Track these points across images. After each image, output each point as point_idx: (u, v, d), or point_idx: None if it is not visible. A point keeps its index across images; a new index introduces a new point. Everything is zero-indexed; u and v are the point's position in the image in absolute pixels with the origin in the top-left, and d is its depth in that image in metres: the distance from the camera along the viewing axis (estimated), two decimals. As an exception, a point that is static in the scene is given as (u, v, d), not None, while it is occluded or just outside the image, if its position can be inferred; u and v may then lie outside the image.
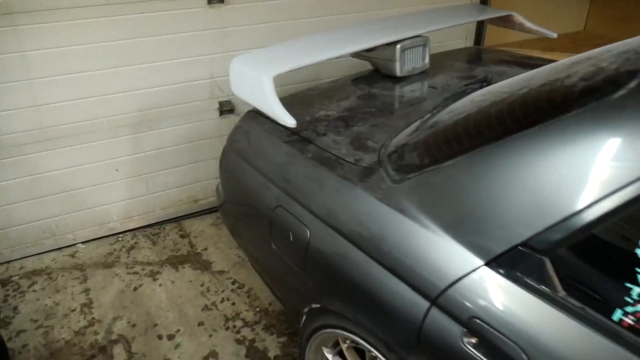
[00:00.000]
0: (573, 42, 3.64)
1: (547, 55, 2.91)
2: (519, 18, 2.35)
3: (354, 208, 1.32)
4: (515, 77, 1.51)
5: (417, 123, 1.52)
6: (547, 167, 1.01)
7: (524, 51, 2.62)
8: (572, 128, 1.00)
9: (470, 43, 3.40)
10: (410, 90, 1.92)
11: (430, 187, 1.20)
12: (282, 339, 2.05)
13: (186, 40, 2.42)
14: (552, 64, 1.43)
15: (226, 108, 2.67)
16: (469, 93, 1.66)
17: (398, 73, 1.98)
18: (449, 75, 2.05)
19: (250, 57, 1.72)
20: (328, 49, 1.75)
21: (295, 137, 1.58)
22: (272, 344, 2.03)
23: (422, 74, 2.05)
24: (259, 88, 1.57)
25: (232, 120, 2.71)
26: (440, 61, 2.20)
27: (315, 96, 1.91)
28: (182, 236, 2.70)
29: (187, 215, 2.85)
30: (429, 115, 1.52)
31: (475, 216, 1.09)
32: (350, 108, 1.76)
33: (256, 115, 1.76)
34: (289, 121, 1.51)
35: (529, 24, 2.33)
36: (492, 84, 1.70)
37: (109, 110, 2.40)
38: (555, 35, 2.31)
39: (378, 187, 1.30)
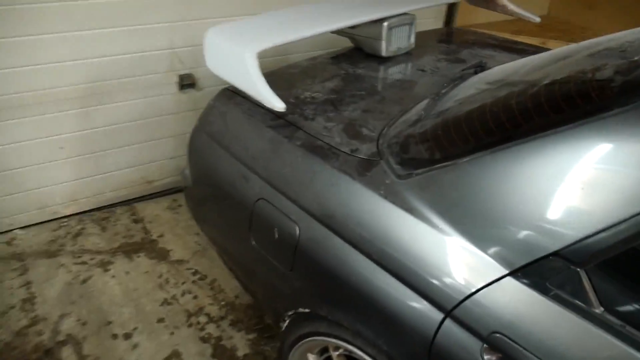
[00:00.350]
0: (539, 27, 3.62)
1: (519, 39, 2.84)
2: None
3: (352, 205, 1.18)
4: (521, 64, 1.41)
5: (416, 110, 1.40)
6: (585, 171, 0.91)
7: (496, 34, 2.54)
8: (616, 129, 0.90)
9: (440, 23, 3.30)
10: (398, 72, 1.79)
11: (444, 186, 1.08)
12: (251, 336, 1.90)
13: (144, 5, 2.15)
14: (562, 50, 1.34)
15: (187, 82, 2.43)
16: (466, 78, 1.56)
17: (384, 53, 1.84)
18: (434, 57, 1.93)
19: (229, 28, 1.51)
20: (315, 24, 1.57)
21: (280, 122, 1.41)
22: (240, 342, 1.88)
23: (408, 55, 1.92)
24: (240, 65, 1.38)
25: (193, 95, 2.49)
26: (422, 42, 2.07)
27: (296, 75, 1.73)
28: (135, 221, 2.47)
29: (140, 197, 2.61)
30: (429, 102, 1.39)
31: (499, 220, 0.98)
32: (337, 90, 1.61)
33: (233, 94, 1.56)
34: (277, 104, 1.33)
35: (511, 6, 2.25)
36: (487, 69, 1.60)
37: (54, 81, 2.11)
38: (538, 19, 2.25)
39: (381, 183, 1.16)
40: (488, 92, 1.25)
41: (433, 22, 3.29)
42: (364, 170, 1.21)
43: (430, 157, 1.14)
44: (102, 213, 2.51)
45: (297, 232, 1.27)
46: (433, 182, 1.10)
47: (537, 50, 2.11)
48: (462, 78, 1.57)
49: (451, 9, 3.23)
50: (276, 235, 1.33)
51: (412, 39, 1.93)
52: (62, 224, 2.41)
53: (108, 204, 2.54)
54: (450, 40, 2.29)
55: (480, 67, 1.66)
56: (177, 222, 2.48)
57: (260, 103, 1.43)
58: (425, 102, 1.45)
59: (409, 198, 1.10)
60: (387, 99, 1.56)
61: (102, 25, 2.10)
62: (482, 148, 1.04)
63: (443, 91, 1.46)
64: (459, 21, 3.41)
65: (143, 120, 2.42)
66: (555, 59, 1.30)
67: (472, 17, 3.44)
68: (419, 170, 1.12)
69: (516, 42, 2.21)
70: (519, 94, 1.13)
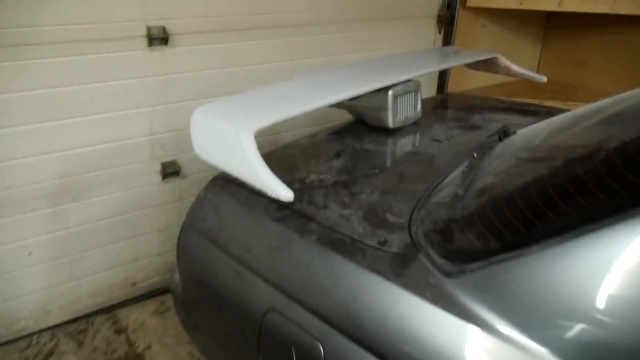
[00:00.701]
0: (531, 88, 3.54)
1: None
2: (503, 61, 2.13)
3: (390, 314, 0.93)
4: (557, 126, 1.22)
5: (448, 187, 1.18)
6: None
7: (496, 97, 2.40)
8: None
9: (433, 89, 3.20)
10: (411, 145, 1.60)
11: (511, 284, 0.84)
12: None
13: (121, 90, 1.98)
14: (602, 104, 1.16)
15: (170, 170, 2.21)
16: (492, 146, 1.36)
17: (390, 124, 1.65)
18: (446, 125, 1.75)
19: (218, 107, 1.32)
20: (315, 97, 1.39)
21: (287, 212, 1.18)
22: None
23: (416, 125, 1.73)
24: (236, 147, 1.16)
25: (178, 184, 2.26)
26: (426, 110, 1.91)
27: (296, 155, 1.52)
28: (118, 331, 2.15)
29: (122, 302, 2.30)
30: (462, 176, 1.18)
31: (595, 327, 0.74)
32: (346, 169, 1.39)
33: (226, 182, 1.34)
34: (284, 193, 1.11)
35: (515, 67, 2.12)
36: (512, 134, 1.42)
37: (20, 178, 1.87)
38: (545, 79, 2.11)
39: (424, 283, 0.92)
40: (536, 162, 1.04)
41: (427, 89, 3.18)
42: (399, 267, 0.97)
43: (485, 247, 0.91)
44: (78, 325, 2.18)
45: (321, 351, 1.00)
46: (495, 280, 0.86)
47: (550, 110, 1.96)
48: (489, 146, 1.38)
49: (443, 75, 3.14)
50: (294, 357, 1.05)
51: (419, 108, 1.75)
52: (32, 342, 2.08)
53: (85, 313, 2.23)
54: (455, 106, 2.13)
55: (504, 133, 1.47)
56: (166, 329, 2.16)
57: (261, 191, 1.20)
58: (454, 176, 1.24)
59: (466, 302, 0.86)
60: (406, 176, 1.35)
61: (75, 114, 1.91)
62: (557, 232, 0.82)
63: (473, 163, 1.25)
64: (450, 87, 3.32)
65: (123, 215, 2.17)
66: (599, 113, 1.12)
67: (463, 83, 3.35)
68: (473, 265, 0.89)
69: (526, 104, 2.06)
70: (583, 161, 0.92)
